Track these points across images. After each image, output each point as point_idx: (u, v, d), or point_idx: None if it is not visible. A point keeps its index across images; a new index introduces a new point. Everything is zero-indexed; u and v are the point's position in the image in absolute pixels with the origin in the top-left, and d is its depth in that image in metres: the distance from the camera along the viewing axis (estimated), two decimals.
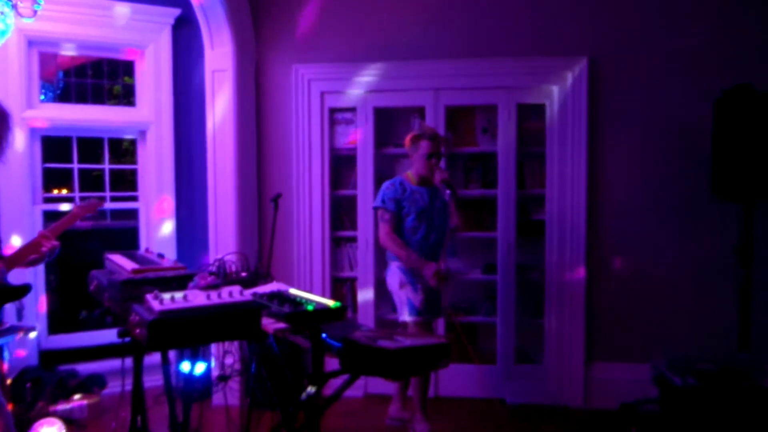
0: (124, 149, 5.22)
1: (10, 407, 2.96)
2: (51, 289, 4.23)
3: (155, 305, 1.94)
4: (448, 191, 3.34)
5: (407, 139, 3.54)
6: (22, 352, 3.80)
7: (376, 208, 3.50)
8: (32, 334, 3.71)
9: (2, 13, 2.99)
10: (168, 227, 4.27)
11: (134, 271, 2.40)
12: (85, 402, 3.64)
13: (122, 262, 2.57)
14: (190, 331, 1.96)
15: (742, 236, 3.49)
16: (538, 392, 4.02)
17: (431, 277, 3.29)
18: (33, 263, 2.46)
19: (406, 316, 3.37)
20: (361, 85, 4.12)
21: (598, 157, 3.96)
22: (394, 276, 3.44)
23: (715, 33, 3.81)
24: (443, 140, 3.60)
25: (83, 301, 2.85)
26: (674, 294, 3.91)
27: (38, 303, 3.97)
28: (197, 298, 2.04)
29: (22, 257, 2.36)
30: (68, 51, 4.13)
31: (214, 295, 2.07)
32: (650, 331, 3.91)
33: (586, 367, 3.97)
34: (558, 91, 3.97)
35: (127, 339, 2.40)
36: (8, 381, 3.47)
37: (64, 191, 4.51)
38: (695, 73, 3.84)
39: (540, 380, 4.05)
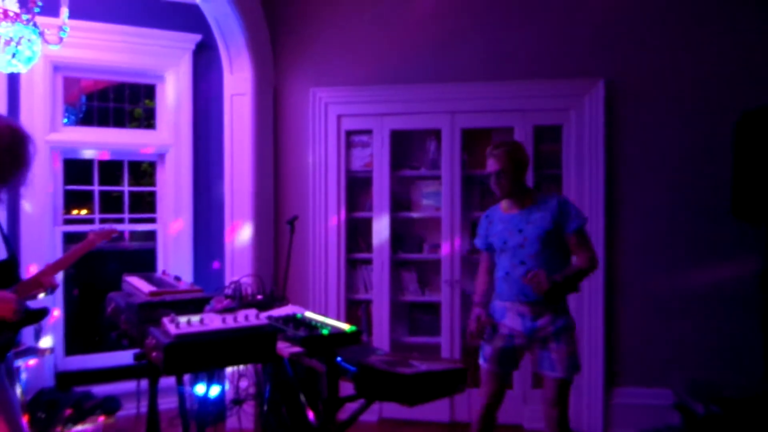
0: (143, 171, 5.30)
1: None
2: (69, 310, 4.26)
3: (171, 329, 1.94)
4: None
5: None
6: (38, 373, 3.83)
7: None
8: (49, 355, 3.73)
9: (29, 40, 3.06)
10: (186, 249, 4.30)
11: (151, 293, 2.41)
12: (100, 424, 3.64)
13: (139, 284, 2.59)
14: (206, 355, 1.96)
15: (764, 260, 3.42)
16: None
17: (469, 332, 2.93)
18: (34, 297, 2.48)
19: (479, 359, 2.97)
20: (378, 107, 4.15)
21: (616, 178, 3.93)
22: (489, 314, 2.97)
23: (733, 55, 3.78)
24: (508, 152, 2.85)
25: (101, 322, 2.87)
26: (696, 318, 3.83)
27: (55, 324, 4.01)
28: (213, 321, 2.04)
29: (26, 291, 2.38)
30: (92, 76, 4.22)
31: (230, 318, 2.07)
32: (671, 356, 3.83)
33: (605, 393, 3.89)
34: (575, 114, 3.96)
35: (143, 362, 2.40)
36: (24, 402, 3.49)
37: (84, 212, 4.58)
38: (714, 95, 3.81)
39: None
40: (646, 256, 3.90)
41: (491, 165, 2.87)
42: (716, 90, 3.81)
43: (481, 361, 2.94)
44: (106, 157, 4.31)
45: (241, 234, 4.10)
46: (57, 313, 3.99)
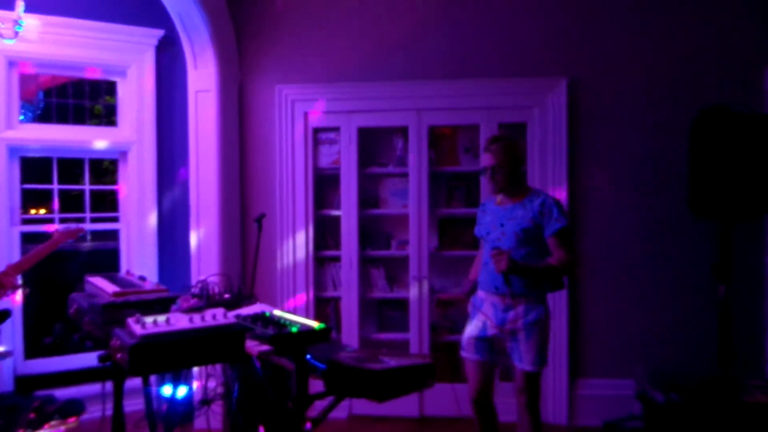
0: (104, 169, 5.18)
1: None
2: (28, 312, 4.14)
3: (137, 329, 1.91)
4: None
5: None
6: None
7: None
8: (7, 359, 3.62)
9: None
10: (150, 248, 4.22)
11: (115, 294, 2.37)
12: (63, 428, 3.55)
13: (103, 284, 2.54)
14: (173, 355, 1.94)
15: (720, 254, 3.55)
16: None
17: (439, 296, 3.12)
18: None
19: (461, 352, 3.03)
20: (345, 105, 4.15)
21: (578, 175, 4.02)
22: (471, 304, 3.06)
23: (691, 54, 3.91)
24: (505, 147, 2.85)
25: (62, 324, 2.81)
26: (655, 310, 3.95)
27: (13, 326, 3.89)
28: (180, 321, 2.02)
29: None
30: (50, 71, 4.10)
31: (197, 318, 2.05)
32: (633, 347, 3.95)
33: (570, 385, 3.99)
34: (538, 112, 4.03)
35: (108, 363, 2.36)
36: None
37: (42, 211, 4.45)
38: (672, 94, 3.93)
39: None
40: (608, 249, 4.00)
41: (486, 159, 2.87)
42: (674, 88, 3.93)
43: (462, 352, 3.01)
44: (65, 154, 4.20)
45: (207, 232, 4.05)
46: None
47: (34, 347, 4.06)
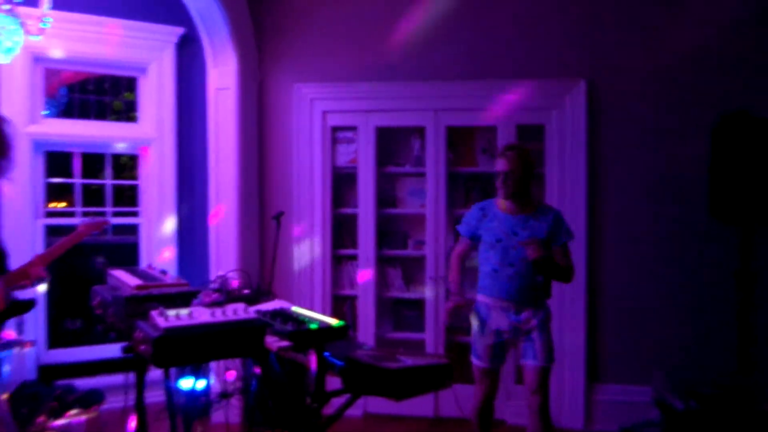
0: (123, 164, 5.24)
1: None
2: (51, 303, 4.21)
3: (161, 322, 1.94)
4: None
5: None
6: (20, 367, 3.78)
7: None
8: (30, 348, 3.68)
9: (10, 31, 3.02)
10: (169, 243, 4.27)
11: (138, 287, 2.40)
12: (83, 418, 3.60)
13: (125, 278, 2.58)
14: (195, 348, 1.97)
15: (741, 259, 3.51)
16: None
17: (445, 312, 3.11)
18: (21, 288, 2.45)
19: (471, 357, 3.07)
20: (363, 104, 4.17)
21: (596, 178, 4.00)
22: (475, 311, 3.07)
23: (713, 58, 3.86)
24: (519, 155, 2.93)
25: (83, 316, 2.85)
26: (675, 315, 3.91)
27: (37, 317, 3.95)
28: (202, 315, 2.04)
29: (12, 282, 2.35)
30: (73, 68, 4.17)
31: (218, 312, 2.08)
32: (651, 353, 3.91)
33: (587, 389, 3.97)
34: (557, 114, 4.02)
35: (131, 355, 2.39)
36: (5, 395, 3.44)
37: (63, 204, 4.52)
38: (693, 97, 3.89)
39: None
40: (627, 254, 3.97)
41: (501, 165, 2.95)
42: (695, 92, 3.89)
43: (474, 360, 3.04)
44: (88, 149, 4.26)
45: (226, 229, 4.09)
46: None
47: (56, 337, 4.13)
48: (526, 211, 2.98)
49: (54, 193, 4.39)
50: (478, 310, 3.03)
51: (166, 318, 1.97)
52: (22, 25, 3.13)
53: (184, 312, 2.03)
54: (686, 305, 3.90)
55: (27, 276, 2.37)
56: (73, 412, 3.59)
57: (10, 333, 3.54)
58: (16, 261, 2.56)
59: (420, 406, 3.94)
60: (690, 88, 3.90)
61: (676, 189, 3.92)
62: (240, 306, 2.15)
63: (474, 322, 3.05)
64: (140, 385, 2.57)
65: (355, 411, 4.00)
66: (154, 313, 2.00)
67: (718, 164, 3.46)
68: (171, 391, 2.65)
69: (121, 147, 4.28)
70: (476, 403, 3.05)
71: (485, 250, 3.02)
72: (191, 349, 1.95)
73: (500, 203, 3.04)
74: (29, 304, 2.34)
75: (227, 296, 2.64)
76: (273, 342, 2.24)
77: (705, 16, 3.89)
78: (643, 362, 3.88)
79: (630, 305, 3.97)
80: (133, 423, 2.62)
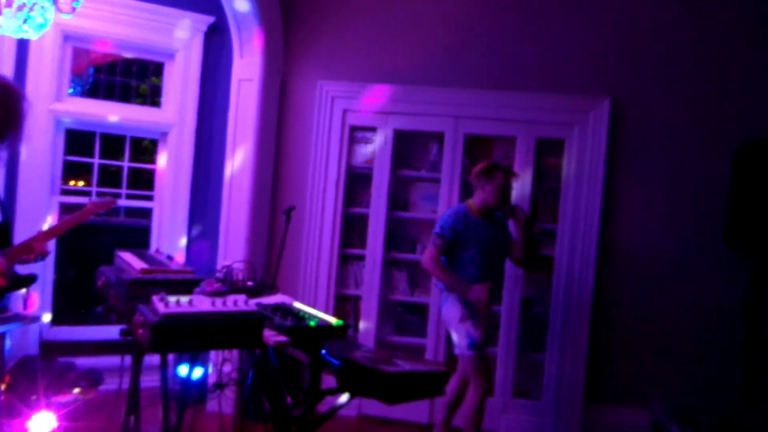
0: (143, 147, 5.29)
1: (3, 396, 2.97)
2: (59, 280, 4.26)
3: (160, 307, 1.95)
4: (512, 222, 3.42)
5: (477, 171, 3.38)
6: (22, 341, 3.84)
7: (435, 234, 3.34)
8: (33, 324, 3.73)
9: (42, 7, 3.06)
10: (180, 229, 4.31)
11: (143, 271, 2.42)
12: (80, 396, 3.65)
13: (132, 260, 2.59)
14: (192, 337, 1.97)
15: (752, 291, 3.45)
16: (533, 428, 3.97)
17: (482, 298, 3.18)
18: (24, 262, 2.48)
19: (465, 351, 3.25)
20: (383, 106, 4.16)
21: (613, 197, 3.95)
22: (454, 308, 3.31)
23: (738, 84, 3.81)
24: (516, 175, 3.54)
25: (90, 295, 2.88)
26: (680, 341, 3.86)
27: (43, 294, 4.01)
28: (202, 303, 2.05)
29: (15, 255, 2.38)
30: (102, 48, 4.22)
31: (219, 302, 2.08)
32: (653, 377, 3.86)
33: (584, 408, 3.92)
34: (578, 129, 3.98)
35: (129, 338, 2.41)
36: (6, 369, 3.49)
37: (81, 183, 4.57)
38: (716, 124, 3.84)
39: (537, 417, 4.00)
40: (636, 275, 3.93)
41: (509, 180, 3.37)
42: (719, 117, 3.84)
43: (472, 352, 3.22)
44: (109, 130, 4.31)
45: (237, 219, 4.11)
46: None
47: (61, 315, 4.18)
48: (492, 217, 3.40)
49: (74, 171, 4.45)
50: (465, 306, 3.27)
51: (167, 304, 1.98)
52: (55, 2, 3.17)
53: (184, 299, 2.04)
54: (693, 330, 3.84)
55: (31, 250, 2.39)
56: (72, 390, 3.63)
57: (34, 301, 3.63)
58: (27, 236, 2.60)
59: (415, 411, 3.93)
60: (715, 112, 3.84)
61: (693, 214, 3.86)
62: (241, 297, 2.16)
63: (465, 316, 3.26)
64: (136, 369, 2.58)
65: (349, 411, 4.00)
66: (155, 298, 2.01)
67: (737, 192, 3.40)
68: (166, 377, 2.66)
69: (143, 127, 4.33)
70: (483, 390, 3.24)
71: (467, 252, 3.28)
72: (188, 336, 1.96)
73: (473, 210, 3.36)
74: (30, 279, 2.36)
75: (230, 287, 2.64)
76: (271, 336, 2.25)
77: (735, 41, 3.83)
78: (644, 385, 3.84)
79: (636, 326, 3.92)
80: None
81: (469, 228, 3.29)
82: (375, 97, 4.16)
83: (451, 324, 3.36)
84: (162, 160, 4.38)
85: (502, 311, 4.04)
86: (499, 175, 3.30)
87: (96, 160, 4.31)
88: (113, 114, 4.22)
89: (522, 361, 4.07)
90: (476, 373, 3.23)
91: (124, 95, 4.41)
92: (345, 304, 4.32)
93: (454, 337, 3.34)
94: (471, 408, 3.25)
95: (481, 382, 3.23)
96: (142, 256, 2.73)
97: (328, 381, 2.23)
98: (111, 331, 3.69)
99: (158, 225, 4.36)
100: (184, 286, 2.41)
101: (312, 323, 2.15)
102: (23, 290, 3.40)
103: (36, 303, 3.89)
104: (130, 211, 4.71)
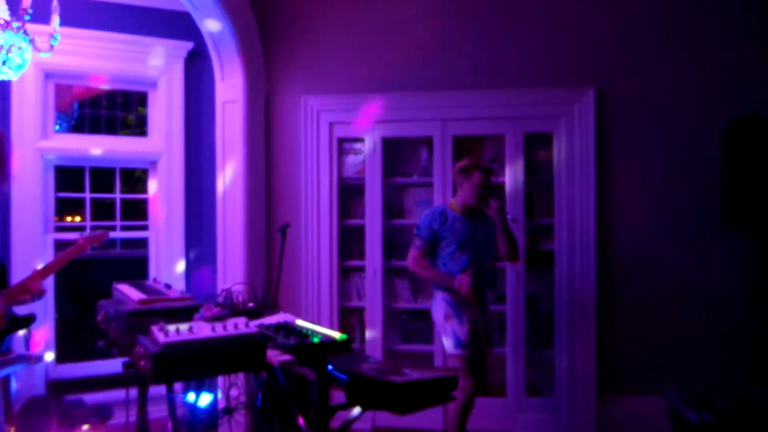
0: (137, 178, 5.28)
1: None
2: (60, 318, 4.24)
3: (160, 337, 1.93)
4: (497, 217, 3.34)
5: (456, 168, 3.43)
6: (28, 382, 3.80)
7: (413, 235, 3.40)
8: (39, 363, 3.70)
9: (20, 48, 3.06)
10: (177, 256, 4.29)
11: (141, 301, 2.40)
12: None
13: (129, 292, 2.58)
14: (195, 364, 1.96)
15: (757, 268, 3.44)
16: (549, 426, 3.93)
17: (464, 285, 3.17)
18: (22, 302, 2.46)
19: (451, 349, 3.26)
20: (371, 115, 4.16)
21: (606, 186, 3.94)
22: (439, 308, 3.34)
23: (721, 63, 3.81)
24: (494, 173, 3.53)
25: (92, 330, 2.86)
26: (688, 325, 3.84)
27: (46, 332, 3.98)
28: (202, 330, 2.03)
29: (12, 297, 2.36)
30: (83, 83, 4.22)
31: (219, 327, 2.06)
32: (664, 364, 3.84)
33: (598, 401, 3.89)
34: (565, 122, 3.98)
35: (132, 370, 2.39)
36: (15, 412, 3.46)
37: (78, 218, 4.56)
38: (702, 103, 3.83)
39: (551, 414, 3.97)
40: (638, 263, 3.91)
41: (488, 179, 3.32)
42: (705, 98, 3.83)
43: (458, 350, 3.21)
44: (98, 164, 4.30)
45: (233, 241, 4.09)
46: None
47: (65, 352, 4.15)
48: (476, 213, 3.36)
49: (68, 206, 4.44)
50: (450, 304, 3.28)
51: (166, 333, 1.96)
52: (32, 42, 3.17)
53: (184, 327, 2.02)
54: (700, 313, 3.82)
55: (27, 290, 2.37)
56: (82, 427, 3.60)
57: (39, 341, 3.60)
58: (23, 276, 2.58)
59: (430, 419, 3.89)
60: (700, 93, 3.84)
61: (688, 195, 3.85)
62: (241, 320, 2.14)
63: (450, 315, 3.27)
64: (143, 401, 2.56)
65: (363, 425, 3.96)
66: (154, 328, 2.00)
67: (730, 169, 3.40)
68: (174, 406, 2.64)
69: (131, 158, 4.32)
70: (467, 394, 3.20)
71: (452, 250, 3.29)
72: (191, 364, 1.94)
73: (454, 207, 3.36)
74: (29, 319, 2.34)
75: (231, 310, 2.63)
76: (275, 356, 2.23)
77: (715, 21, 3.84)
78: (656, 373, 3.81)
79: (642, 315, 3.89)
80: None
81: (445, 225, 3.31)
82: (364, 109, 4.15)
83: (437, 323, 3.39)
84: (153, 188, 4.37)
85: (507, 310, 4.02)
86: (476, 174, 3.31)
87: (87, 195, 4.30)
88: (101, 147, 4.21)
89: (532, 358, 4.04)
90: (462, 373, 3.18)
91: (111, 127, 4.40)
92: (349, 317, 4.29)
93: (442, 336, 3.37)
94: (455, 407, 3.24)
95: (465, 382, 3.18)
96: (140, 287, 2.71)
97: (339, 396, 2.22)
98: (115, 365, 3.67)
99: (155, 254, 4.34)
100: (184, 314, 2.40)
101: (315, 340, 2.13)
102: (23, 331, 3.37)
103: (41, 342, 3.86)
104: (126, 243, 4.70)
